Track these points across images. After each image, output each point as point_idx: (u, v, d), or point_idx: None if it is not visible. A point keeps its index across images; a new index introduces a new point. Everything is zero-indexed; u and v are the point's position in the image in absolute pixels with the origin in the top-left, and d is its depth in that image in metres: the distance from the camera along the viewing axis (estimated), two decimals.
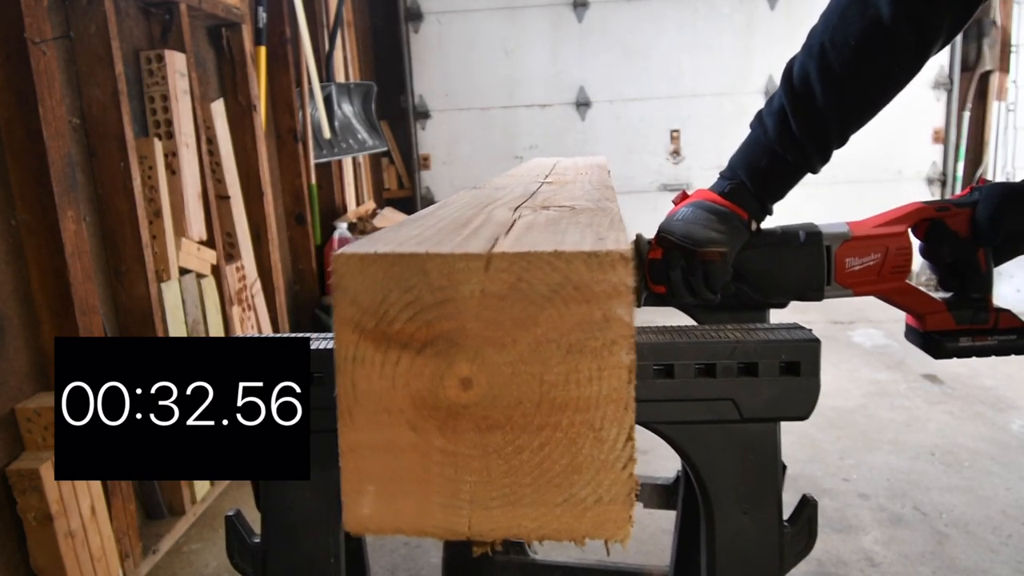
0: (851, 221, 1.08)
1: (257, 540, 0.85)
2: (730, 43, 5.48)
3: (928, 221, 1.07)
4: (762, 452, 0.86)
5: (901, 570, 2.27)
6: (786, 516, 0.91)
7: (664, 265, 1.03)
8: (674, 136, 5.64)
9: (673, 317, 1.16)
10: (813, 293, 1.07)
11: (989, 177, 5.42)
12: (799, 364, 0.84)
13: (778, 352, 0.84)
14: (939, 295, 1.10)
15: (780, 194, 1.05)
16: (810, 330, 0.88)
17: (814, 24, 0.99)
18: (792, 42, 4.61)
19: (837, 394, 3.60)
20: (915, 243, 1.09)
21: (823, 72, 0.95)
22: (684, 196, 1.07)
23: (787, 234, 1.08)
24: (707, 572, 0.88)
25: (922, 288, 1.10)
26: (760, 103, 5.43)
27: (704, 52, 5.50)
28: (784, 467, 0.94)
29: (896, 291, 1.07)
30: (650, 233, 1.10)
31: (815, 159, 1.01)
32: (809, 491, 1.02)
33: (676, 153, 5.66)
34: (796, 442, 3.07)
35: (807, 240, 1.06)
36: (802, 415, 0.85)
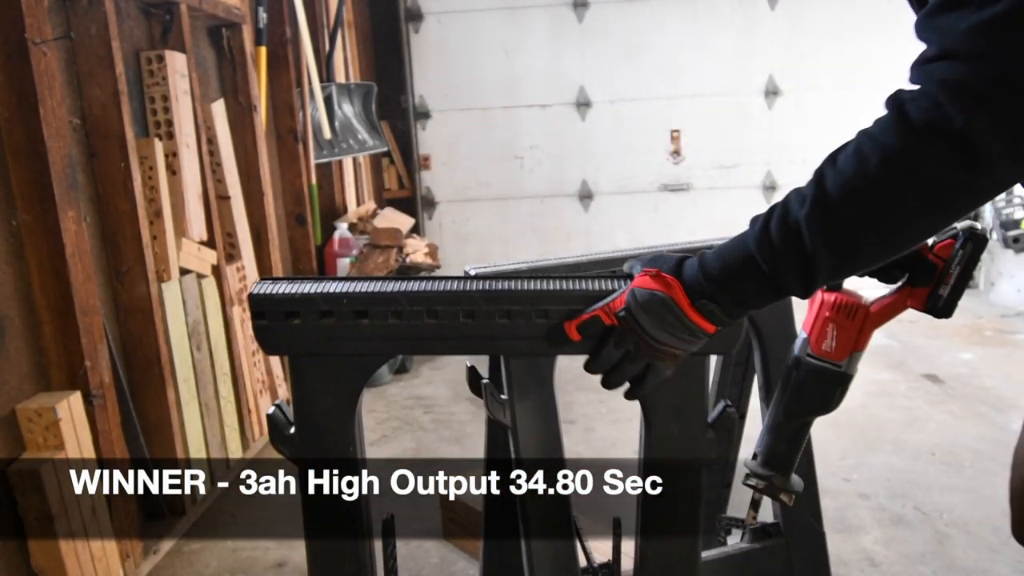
0: (804, 322, 1.17)
1: (292, 431, 1.09)
2: (730, 43, 5.48)
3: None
4: (692, 378, 1.06)
5: (902, 570, 2.27)
6: None
7: (611, 337, 0.98)
8: (674, 136, 5.64)
9: None
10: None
11: None
12: None
13: None
14: (891, 288, 1.14)
15: (752, 310, 0.97)
16: None
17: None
18: (792, 42, 4.60)
19: None
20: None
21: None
22: (658, 275, 0.96)
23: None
24: (641, 466, 1.08)
25: (886, 296, 1.14)
26: (760, 103, 5.43)
27: (704, 52, 5.49)
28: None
29: (877, 320, 1.13)
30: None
31: (818, 287, 0.91)
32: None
33: (676, 153, 5.66)
34: None
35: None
36: (728, 350, 1.04)
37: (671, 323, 0.94)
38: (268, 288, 1.04)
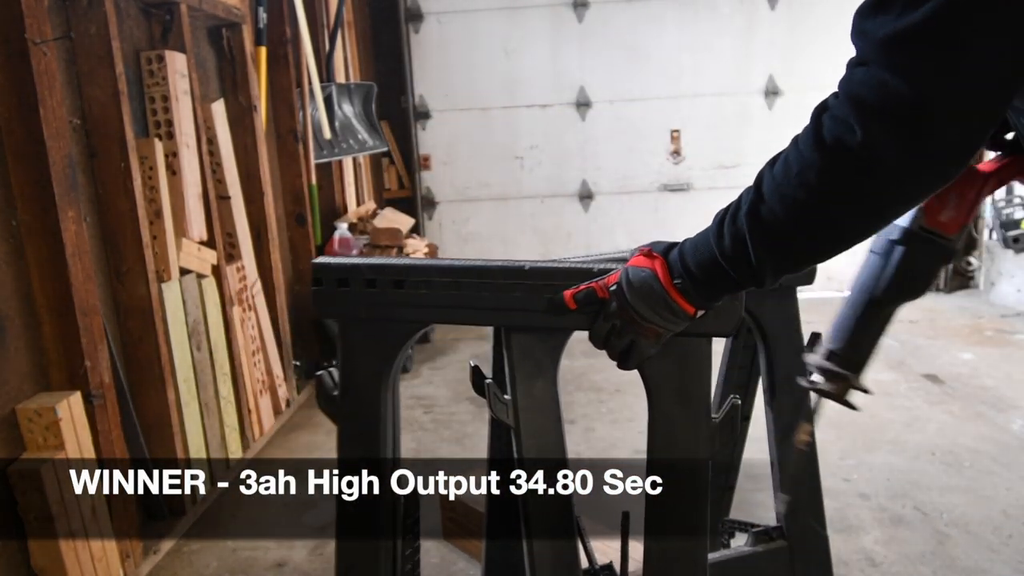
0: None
1: (336, 392, 1.24)
2: (730, 43, 5.47)
3: None
4: (695, 360, 1.12)
5: (902, 570, 2.27)
6: None
7: (601, 311, 1.07)
8: (674, 136, 5.64)
9: None
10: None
11: None
12: None
13: None
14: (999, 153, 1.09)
15: (723, 297, 1.02)
16: None
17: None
18: (792, 42, 4.59)
19: None
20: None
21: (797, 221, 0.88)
22: (649, 254, 1.03)
23: None
24: (648, 451, 1.15)
25: (997, 159, 1.08)
26: (760, 103, 5.43)
27: (704, 52, 5.49)
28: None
29: (994, 186, 1.07)
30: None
31: (768, 283, 0.96)
32: None
33: (676, 153, 5.66)
34: None
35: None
36: (726, 332, 1.11)
37: (655, 300, 1.00)
38: (326, 261, 1.23)
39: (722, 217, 0.96)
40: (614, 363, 1.11)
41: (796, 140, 0.87)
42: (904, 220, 1.09)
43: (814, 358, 1.16)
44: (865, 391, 1.14)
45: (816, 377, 1.16)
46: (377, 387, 1.23)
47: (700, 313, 1.02)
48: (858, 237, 0.88)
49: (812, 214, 0.86)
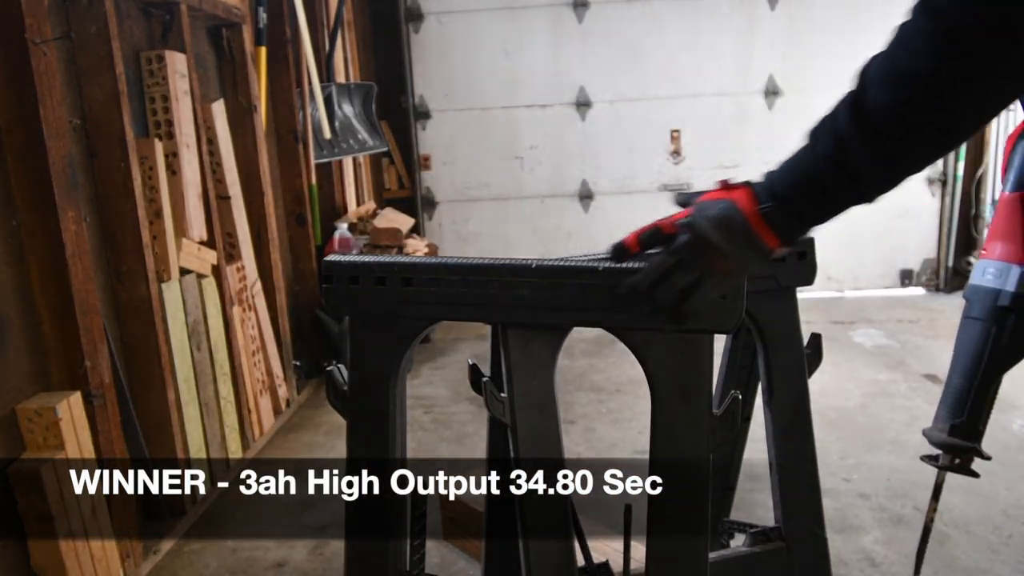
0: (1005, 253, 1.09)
1: (346, 388, 1.28)
2: (730, 43, 5.47)
3: None
4: (696, 356, 1.13)
5: (901, 570, 2.27)
6: None
7: (668, 244, 0.97)
8: (674, 136, 5.64)
9: None
10: None
11: (989, 178, 5.41)
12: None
13: None
14: None
15: (812, 227, 0.94)
16: None
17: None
18: (792, 42, 4.58)
19: (837, 394, 3.60)
20: None
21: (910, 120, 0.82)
22: (726, 185, 0.95)
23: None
24: (650, 446, 1.15)
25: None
26: (760, 103, 5.43)
27: (704, 52, 5.49)
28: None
29: None
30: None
31: (870, 193, 0.88)
32: None
33: (676, 153, 5.65)
34: None
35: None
36: (727, 329, 1.12)
37: (735, 230, 0.91)
38: (337, 259, 1.25)
39: (815, 128, 0.89)
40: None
41: (900, 26, 0.81)
42: (1011, 286, 1.08)
43: (938, 436, 1.14)
44: (988, 458, 1.13)
45: (941, 455, 1.13)
46: (386, 383, 1.25)
47: (780, 251, 0.93)
48: (974, 118, 0.82)
49: (924, 89, 0.79)
